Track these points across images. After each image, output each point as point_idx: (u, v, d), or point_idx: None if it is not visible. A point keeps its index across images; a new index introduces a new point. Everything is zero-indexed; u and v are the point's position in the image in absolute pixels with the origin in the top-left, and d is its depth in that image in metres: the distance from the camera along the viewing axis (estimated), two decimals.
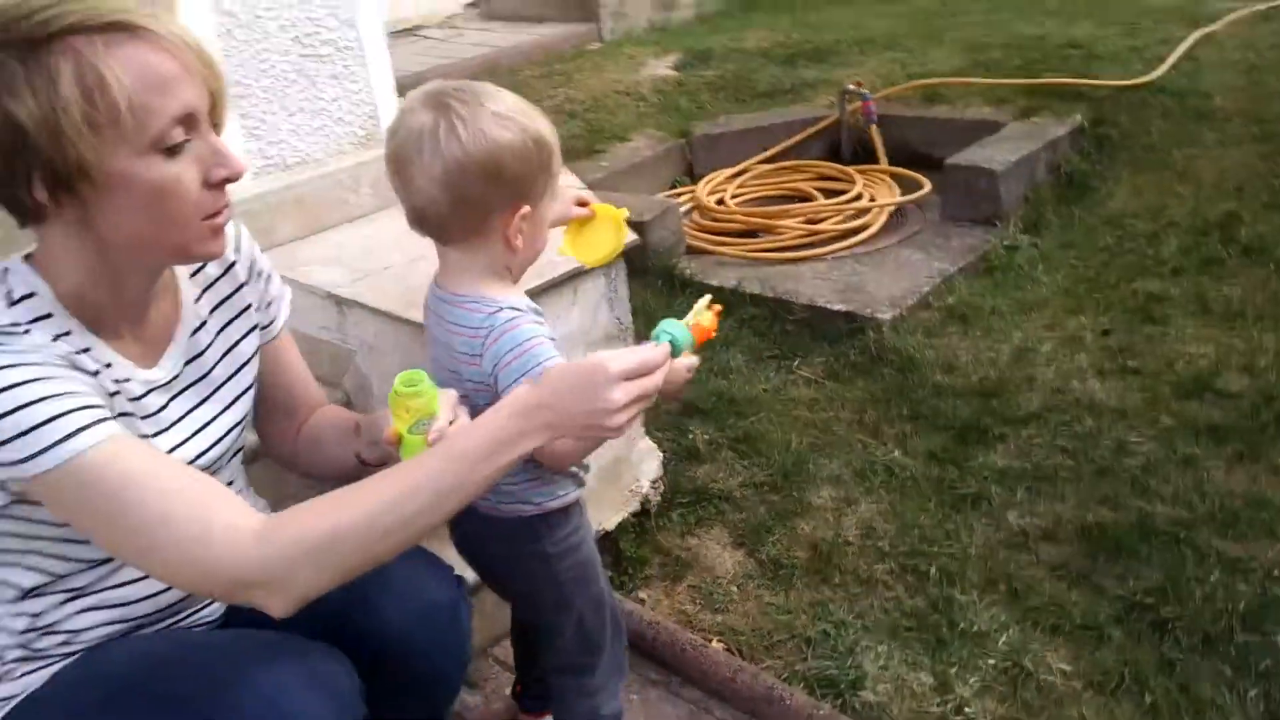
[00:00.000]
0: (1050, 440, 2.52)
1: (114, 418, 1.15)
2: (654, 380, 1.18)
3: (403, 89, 5.92)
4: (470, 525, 1.55)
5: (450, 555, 1.58)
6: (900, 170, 4.14)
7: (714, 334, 1.42)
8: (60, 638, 1.32)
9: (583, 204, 1.59)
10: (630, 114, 4.84)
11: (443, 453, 1.16)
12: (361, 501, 1.14)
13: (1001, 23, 5.34)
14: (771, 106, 4.80)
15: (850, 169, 4.21)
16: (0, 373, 1.08)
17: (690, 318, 1.34)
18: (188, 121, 1.13)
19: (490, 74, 5.77)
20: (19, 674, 1.34)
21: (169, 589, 1.34)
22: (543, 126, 1.37)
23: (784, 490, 2.46)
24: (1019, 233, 3.54)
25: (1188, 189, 3.53)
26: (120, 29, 1.08)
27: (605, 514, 2.27)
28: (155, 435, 1.28)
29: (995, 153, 3.73)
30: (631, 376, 1.16)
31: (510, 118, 1.32)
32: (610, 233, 1.55)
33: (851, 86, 4.36)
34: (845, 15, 6.27)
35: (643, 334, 2.94)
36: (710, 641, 2.02)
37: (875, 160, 4.29)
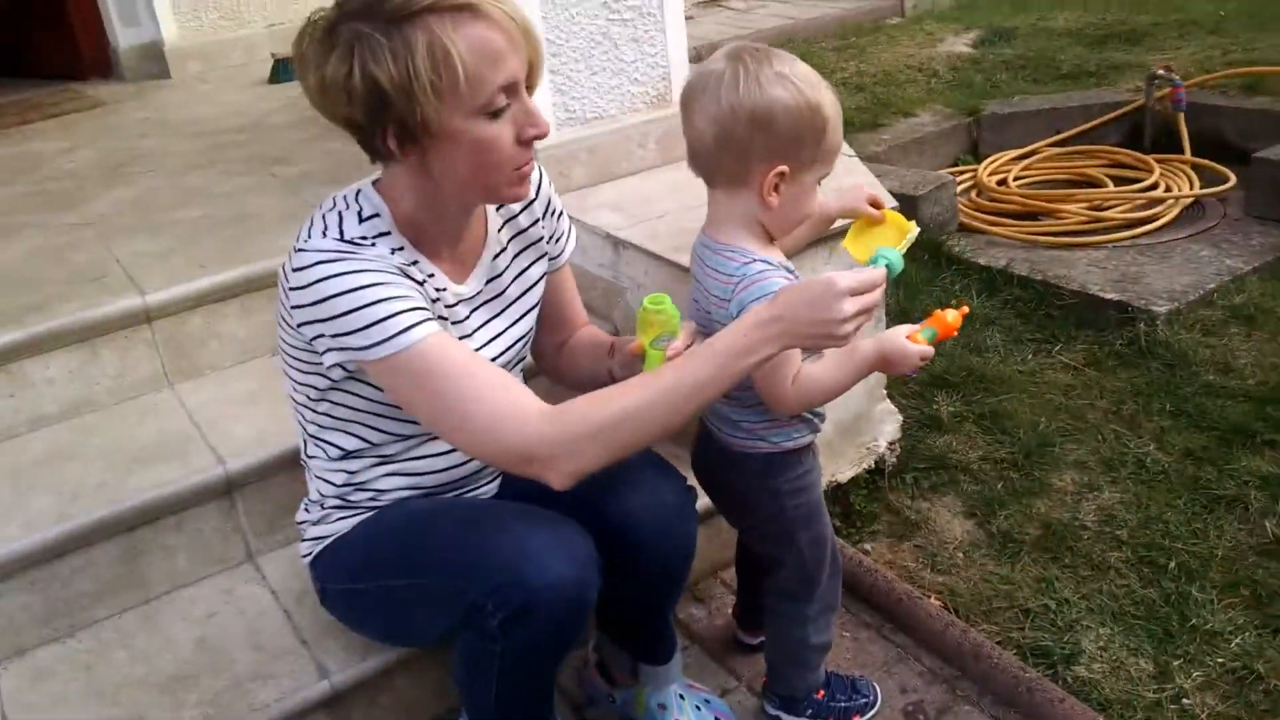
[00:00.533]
0: None
1: (436, 319, 1.41)
2: (875, 296, 1.32)
3: (702, 55, 6.23)
4: (711, 455, 1.73)
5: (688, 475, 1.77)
6: (1204, 162, 3.91)
7: (955, 333, 1.52)
8: (369, 494, 1.62)
9: (876, 205, 1.63)
10: (919, 89, 4.82)
11: (700, 354, 1.33)
12: (635, 392, 1.34)
13: None
14: (1072, 89, 4.64)
15: (1150, 158, 4.02)
16: (353, 275, 1.36)
17: (903, 245, 1.47)
18: (510, 89, 1.35)
19: (785, 44, 5.88)
20: (334, 519, 1.65)
21: (459, 465, 1.61)
22: (824, 98, 1.45)
23: (1024, 469, 2.47)
24: None
25: None
26: (466, 10, 1.30)
27: (840, 466, 2.38)
28: (461, 339, 1.54)
29: None
30: (857, 292, 1.30)
31: (791, 80, 1.43)
32: (893, 240, 1.58)
33: (1160, 71, 4.14)
34: None
35: (905, 310, 3.02)
36: (928, 597, 2.10)
37: (1179, 150, 4.06)
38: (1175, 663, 1.91)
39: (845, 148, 2.76)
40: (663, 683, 1.79)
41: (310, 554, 1.69)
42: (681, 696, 1.80)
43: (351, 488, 1.63)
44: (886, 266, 1.40)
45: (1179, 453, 2.47)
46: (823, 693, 1.83)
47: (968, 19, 5.98)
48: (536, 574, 1.36)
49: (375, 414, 1.53)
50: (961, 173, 4.19)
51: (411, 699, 1.84)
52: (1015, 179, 4.02)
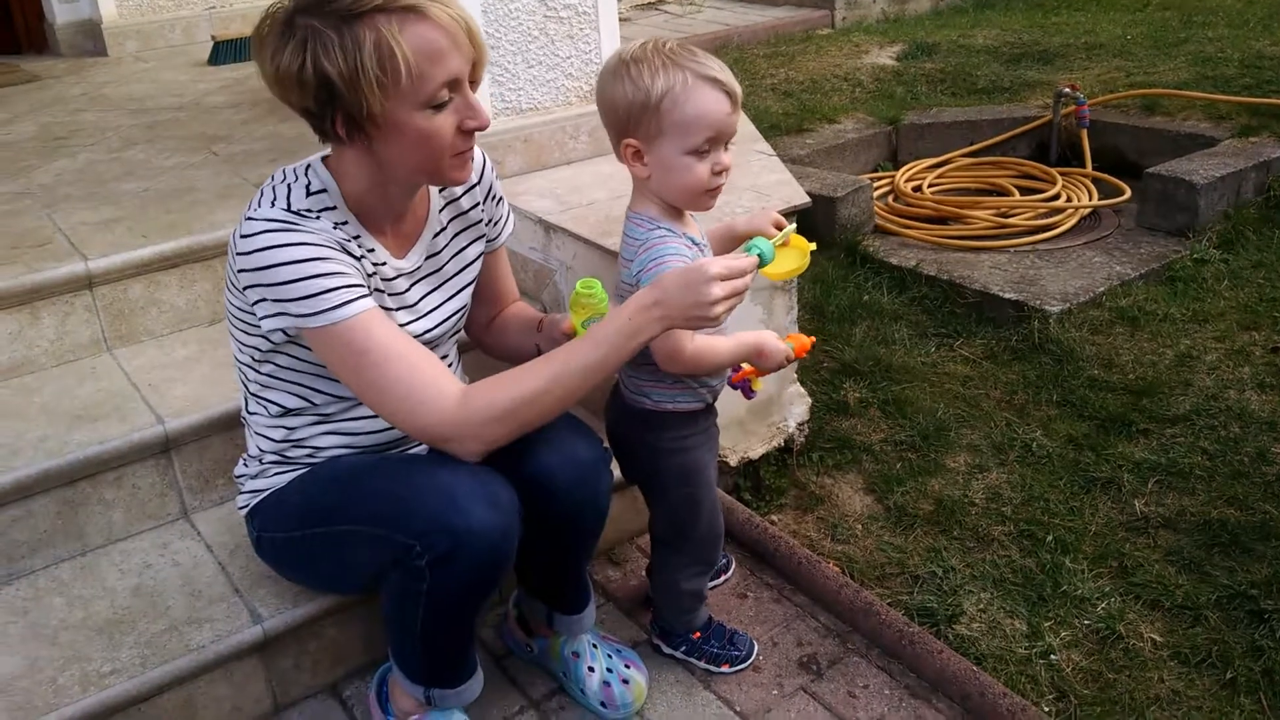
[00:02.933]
0: (1193, 441, 2.60)
1: (371, 294, 1.53)
2: (744, 281, 1.48)
3: None
4: (613, 406, 1.90)
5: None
6: (1104, 176, 4.17)
7: (805, 354, 1.81)
8: (306, 450, 1.73)
9: (779, 226, 1.78)
10: (844, 98, 5.03)
11: (589, 338, 1.51)
12: (533, 376, 1.51)
13: (1241, 40, 5.18)
14: (986, 103, 4.88)
15: (1054, 170, 4.27)
16: (296, 247, 1.47)
17: (779, 239, 1.63)
18: (452, 85, 1.47)
19: (720, 50, 6.07)
20: (272, 473, 1.76)
21: (393, 426, 1.72)
22: (658, 82, 1.61)
23: (922, 450, 2.66)
24: (1211, 247, 3.54)
25: None
26: (412, 11, 1.42)
27: (752, 444, 2.54)
28: (398, 310, 1.66)
29: (1200, 166, 3.72)
30: (726, 277, 1.46)
31: (629, 63, 1.63)
32: (795, 260, 1.71)
33: (1066, 89, 4.39)
34: (1082, 20, 6.20)
35: (820, 305, 3.18)
36: (827, 562, 2.27)
37: (1081, 164, 4.32)
38: (1046, 624, 2.10)
39: (766, 148, 2.93)
40: (576, 632, 1.92)
41: (247, 506, 1.80)
42: (594, 645, 1.94)
43: (290, 444, 1.73)
44: (758, 255, 1.56)
45: (1062, 439, 2.67)
46: (699, 635, 2.01)
47: (893, 33, 6.23)
48: (462, 519, 1.49)
49: (315, 375, 1.64)
50: (880, 178, 4.40)
51: (339, 646, 1.94)
52: (929, 186, 4.24)
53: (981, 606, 2.15)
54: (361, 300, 1.49)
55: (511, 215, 1.89)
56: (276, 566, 1.83)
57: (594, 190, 2.62)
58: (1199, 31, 5.53)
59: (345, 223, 1.57)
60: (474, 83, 1.53)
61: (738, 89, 1.67)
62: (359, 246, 1.57)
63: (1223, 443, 2.58)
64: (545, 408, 1.53)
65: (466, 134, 1.52)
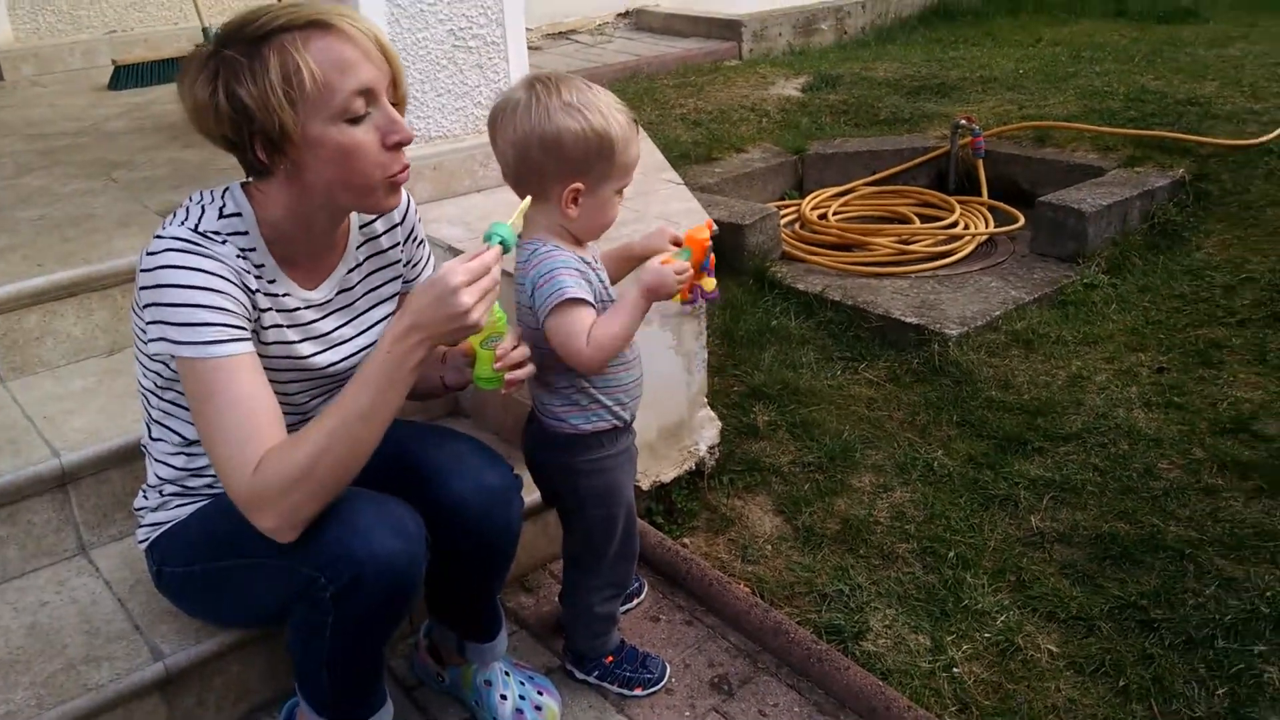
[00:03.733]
0: (1085, 458, 2.71)
1: (250, 337, 1.50)
2: (491, 277, 1.43)
3: None
4: (530, 433, 1.91)
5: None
6: (999, 204, 4.33)
7: (707, 244, 1.79)
8: (206, 481, 1.70)
9: (677, 243, 1.83)
10: (751, 128, 5.13)
11: (356, 381, 1.45)
12: (316, 434, 1.44)
13: (1127, 75, 5.44)
14: (888, 134, 5.03)
15: (952, 199, 4.42)
16: (191, 272, 1.45)
17: (515, 218, 1.54)
18: (367, 95, 1.47)
19: (630, 80, 6.15)
20: (172, 505, 1.73)
21: None
22: (612, 125, 1.64)
23: (829, 471, 2.72)
24: (1100, 272, 3.70)
25: (1274, 247, 3.63)
26: (315, 25, 1.44)
27: (664, 468, 2.57)
28: (303, 340, 1.64)
29: (1089, 195, 3.89)
30: (471, 281, 1.41)
31: (579, 109, 1.63)
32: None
33: (963, 121, 4.55)
34: (978, 54, 6.43)
35: (730, 330, 3.22)
36: (737, 583, 2.30)
37: (978, 193, 4.48)
38: (949, 638, 2.16)
39: (674, 177, 2.99)
40: (488, 660, 1.91)
41: (147, 539, 1.76)
42: (506, 673, 1.93)
43: (190, 473, 1.70)
44: (501, 243, 1.48)
45: (962, 458, 2.76)
46: (611, 659, 2.02)
47: (799, 65, 6.38)
48: (365, 548, 1.48)
49: None
50: (786, 206, 4.50)
51: (244, 681, 1.91)
52: (834, 213, 4.35)
53: (887, 623, 2.20)
54: (232, 345, 1.46)
55: (431, 258, 1.88)
56: (177, 601, 1.79)
57: (504, 218, 2.62)
58: (1087, 67, 5.79)
59: (253, 249, 1.55)
60: (397, 102, 1.53)
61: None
62: (258, 278, 1.55)
63: (1112, 459, 2.69)
64: (337, 464, 1.44)
65: (393, 150, 1.51)
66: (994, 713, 1.98)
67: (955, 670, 2.08)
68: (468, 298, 1.41)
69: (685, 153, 4.70)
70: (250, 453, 1.44)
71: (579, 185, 1.67)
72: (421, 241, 1.84)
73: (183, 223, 1.50)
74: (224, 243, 1.50)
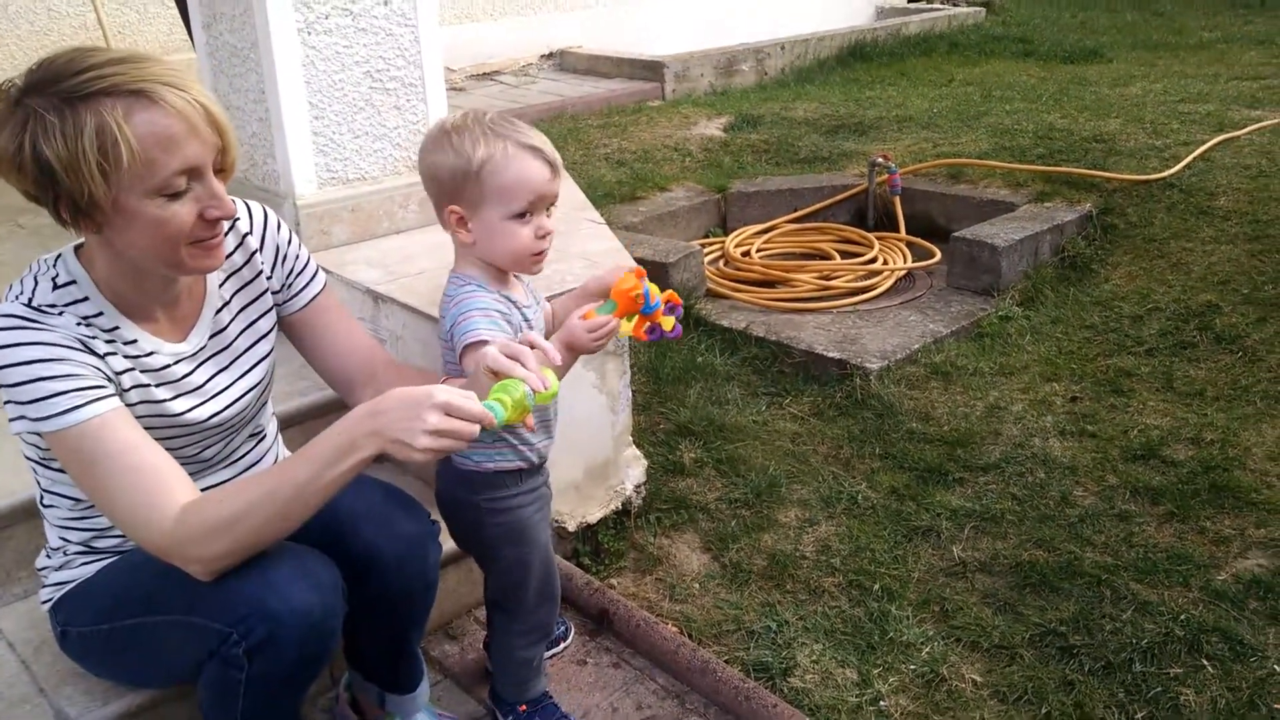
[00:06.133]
0: (1003, 488, 2.76)
1: (114, 394, 1.44)
2: (468, 428, 1.35)
3: None
4: (442, 473, 1.89)
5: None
6: (916, 239, 4.43)
7: (635, 295, 1.69)
8: (114, 541, 1.65)
9: (640, 275, 1.77)
10: (675, 167, 5.19)
11: (301, 456, 1.41)
12: (248, 491, 1.41)
13: (1035, 113, 5.62)
14: (808, 172, 5.12)
15: (871, 235, 4.50)
16: (27, 348, 1.40)
17: (524, 398, 1.45)
18: (191, 173, 1.40)
19: (554, 120, 6.18)
20: (77, 564, 1.67)
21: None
22: (480, 149, 1.67)
23: (755, 507, 2.73)
24: (1014, 305, 3.80)
25: (1177, 278, 3.76)
26: (141, 95, 1.35)
27: (590, 508, 2.55)
28: (176, 397, 1.57)
29: (1001, 230, 4.00)
30: (451, 413, 1.33)
31: (453, 134, 1.70)
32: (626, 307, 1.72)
33: (880, 159, 4.65)
34: (894, 94, 6.59)
35: (656, 366, 3.21)
36: (665, 624, 2.29)
37: (896, 229, 4.57)
38: (875, 671, 2.17)
39: (596, 216, 3.00)
40: (410, 711, 1.87)
41: (51, 600, 1.69)
42: None
43: (95, 534, 1.64)
44: (494, 415, 1.39)
45: (885, 490, 2.79)
46: (525, 708, 1.98)
47: (720, 105, 6.48)
48: (279, 602, 1.44)
49: None
50: (710, 243, 4.54)
51: None
52: (757, 250, 4.40)
53: (814, 658, 2.21)
54: (93, 405, 1.40)
55: (318, 272, 1.79)
56: (83, 662, 1.72)
57: (423, 259, 2.61)
58: (997, 105, 5.97)
59: (99, 314, 1.49)
60: (224, 170, 1.46)
61: (556, 157, 1.74)
62: (110, 341, 1.49)
63: (1030, 488, 2.75)
64: (261, 525, 1.40)
65: (210, 222, 1.44)
66: None
67: (882, 704, 2.09)
68: (433, 419, 1.32)
69: (610, 192, 4.73)
70: (161, 501, 1.40)
71: (454, 209, 1.73)
72: (290, 259, 1.74)
73: (15, 297, 1.44)
74: (60, 314, 1.45)
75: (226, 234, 1.63)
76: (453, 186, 1.71)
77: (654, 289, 1.72)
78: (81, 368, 1.42)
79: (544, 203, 1.73)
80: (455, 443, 1.34)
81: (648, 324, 1.74)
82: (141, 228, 1.40)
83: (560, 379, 1.51)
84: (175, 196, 1.39)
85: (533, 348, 1.49)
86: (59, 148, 1.32)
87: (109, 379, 1.46)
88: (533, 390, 1.41)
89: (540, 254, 1.76)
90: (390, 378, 1.76)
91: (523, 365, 1.43)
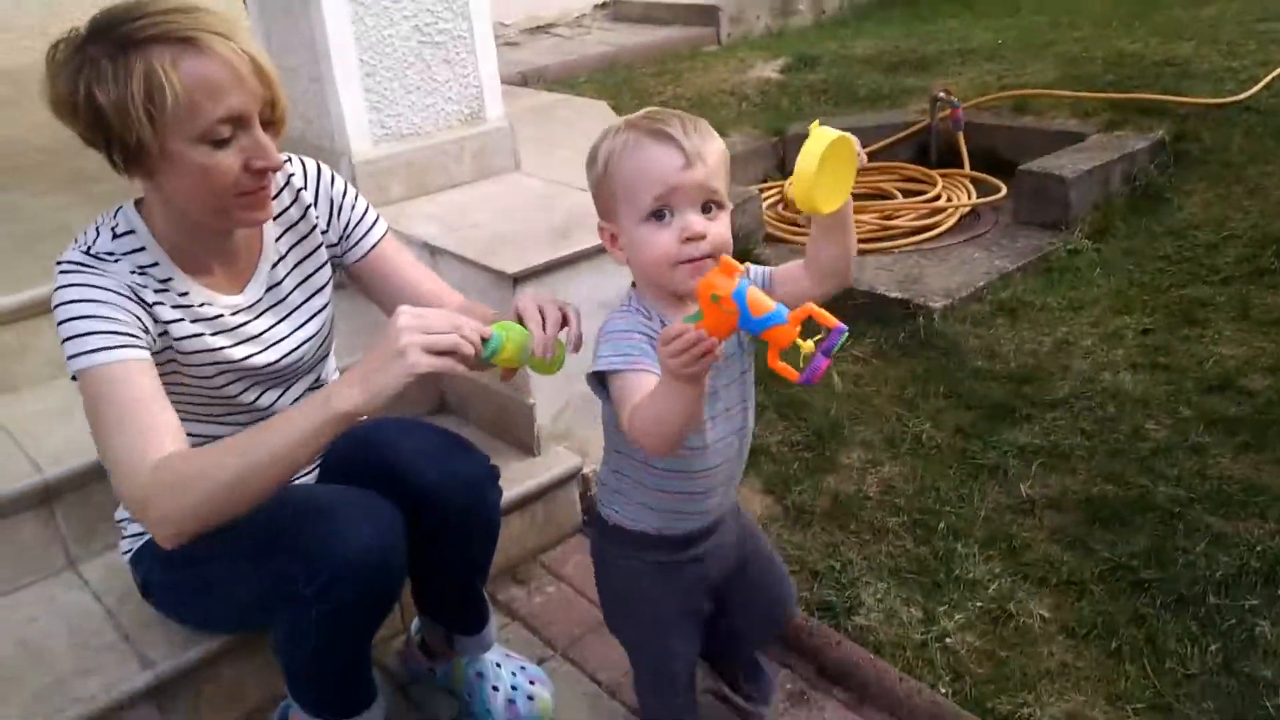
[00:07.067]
0: (1072, 423, 2.71)
1: (144, 347, 1.45)
2: (448, 339, 1.31)
3: (527, 79, 6.29)
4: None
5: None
6: (981, 175, 4.32)
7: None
8: None
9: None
10: (731, 112, 5.12)
11: (283, 415, 1.40)
12: (220, 448, 1.40)
13: (1105, 39, 5.41)
14: (868, 111, 5.02)
15: (934, 172, 4.41)
16: (76, 289, 1.44)
17: (524, 349, 1.44)
18: (236, 121, 1.42)
19: (609, 70, 6.13)
20: None
21: None
22: (605, 149, 1.41)
23: (817, 450, 2.72)
24: (1083, 238, 3.69)
25: (1254, 203, 3.62)
26: (189, 43, 1.38)
27: None
28: (237, 344, 1.61)
29: (1070, 161, 3.88)
30: (425, 330, 1.31)
31: (594, 143, 1.44)
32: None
33: (941, 94, 4.54)
34: (956, 27, 6.40)
35: None
36: None
37: (959, 165, 4.47)
38: (941, 609, 2.16)
39: None
40: (478, 651, 1.92)
41: (130, 550, 1.76)
42: (498, 664, 1.93)
43: None
44: (492, 338, 1.38)
45: (950, 429, 2.76)
46: None
47: (777, 47, 6.36)
48: (342, 544, 1.48)
49: (181, 414, 1.60)
50: (769, 188, 4.48)
51: (236, 686, 1.91)
52: None
53: (879, 596, 2.20)
54: (120, 351, 1.43)
55: (378, 220, 1.80)
56: (164, 610, 1.79)
57: (479, 212, 2.62)
58: (1065, 33, 5.76)
59: (154, 264, 1.53)
60: (273, 123, 1.48)
61: (697, 143, 1.37)
62: (162, 290, 1.53)
63: (1100, 423, 2.69)
64: (232, 482, 1.36)
65: (257, 174, 1.46)
66: (987, 680, 1.98)
67: (948, 640, 2.08)
68: (403, 319, 1.33)
69: None
70: (147, 452, 1.38)
71: (603, 224, 1.46)
72: (346, 210, 1.75)
73: (75, 247, 1.50)
74: (117, 261, 1.49)
75: (281, 191, 1.66)
76: (596, 198, 1.46)
77: (760, 298, 1.17)
78: (122, 313, 1.45)
79: (684, 198, 1.36)
80: (447, 341, 1.32)
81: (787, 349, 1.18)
82: (188, 175, 1.43)
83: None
84: (221, 145, 1.42)
85: (565, 324, 1.45)
86: (110, 91, 1.36)
87: (146, 330, 1.48)
88: (534, 349, 1.38)
89: (690, 261, 1.37)
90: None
91: (544, 323, 1.41)
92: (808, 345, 1.16)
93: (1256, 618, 2.04)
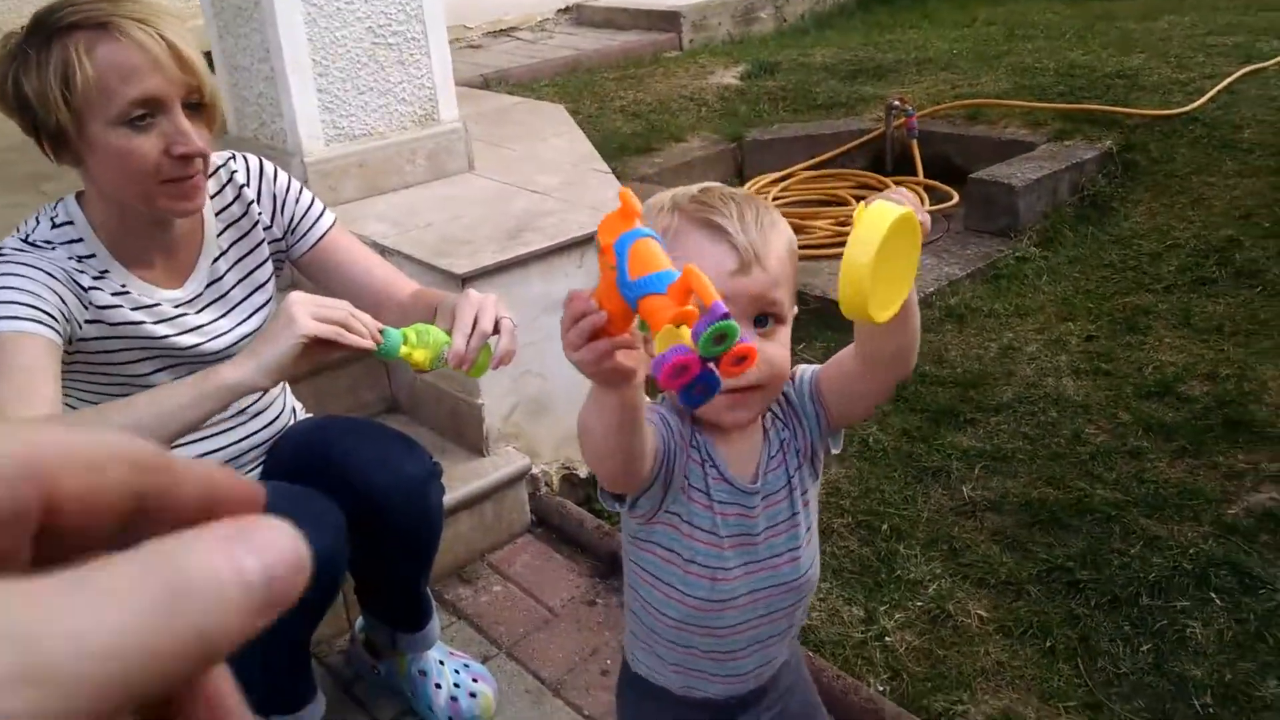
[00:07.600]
0: (1015, 427, 2.76)
1: (57, 331, 1.44)
2: (338, 314, 1.36)
3: (489, 82, 6.28)
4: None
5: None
6: (934, 183, 4.38)
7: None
8: None
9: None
10: (691, 117, 5.16)
11: (164, 386, 1.46)
12: (105, 409, 1.44)
13: (1058, 51, 5.51)
14: (825, 118, 5.07)
15: (889, 179, 4.46)
16: (11, 266, 1.44)
17: (439, 354, 1.44)
18: (151, 104, 1.43)
19: (571, 74, 6.15)
20: None
21: (216, 451, 1.70)
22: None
23: None
24: (1031, 245, 3.76)
25: (1198, 214, 3.71)
26: (102, 29, 1.41)
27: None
28: (182, 333, 1.61)
29: (1019, 170, 3.95)
30: (317, 304, 1.37)
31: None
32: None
33: (896, 102, 4.60)
34: (914, 37, 6.49)
35: None
36: None
37: (914, 172, 4.53)
38: (881, 608, 2.20)
39: (601, 165, 3.00)
40: (421, 649, 1.92)
41: None
42: (441, 662, 1.94)
43: None
44: (387, 336, 1.40)
45: (897, 432, 2.80)
46: None
47: (738, 54, 6.41)
48: None
49: (91, 397, 1.59)
50: None
51: None
52: (774, 198, 4.38)
53: (821, 596, 2.23)
54: (27, 324, 1.41)
55: (325, 211, 1.79)
56: None
57: (431, 212, 2.63)
58: (1019, 44, 5.86)
59: (92, 255, 1.53)
60: (201, 108, 1.48)
61: (752, 239, 1.09)
62: (99, 280, 1.53)
63: (1041, 427, 2.75)
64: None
65: (179, 160, 1.47)
66: (924, 678, 2.01)
67: (887, 639, 2.12)
68: (296, 302, 1.39)
69: (625, 144, 4.72)
70: (17, 406, 1.36)
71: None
72: (289, 204, 1.74)
73: (15, 235, 1.51)
74: (54, 249, 1.50)
75: (225, 187, 1.66)
76: None
77: (650, 254, 0.83)
78: (48, 294, 1.45)
79: (733, 308, 0.82)
80: (336, 314, 1.38)
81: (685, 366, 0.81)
82: (110, 158, 1.44)
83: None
84: (140, 129, 1.43)
85: (496, 331, 1.44)
86: (33, 80, 1.40)
87: (68, 319, 1.48)
88: (449, 358, 1.40)
89: (738, 393, 1.10)
90: (419, 309, 1.68)
91: (471, 331, 1.43)
92: (681, 332, 0.80)
93: (1187, 619, 2.09)
